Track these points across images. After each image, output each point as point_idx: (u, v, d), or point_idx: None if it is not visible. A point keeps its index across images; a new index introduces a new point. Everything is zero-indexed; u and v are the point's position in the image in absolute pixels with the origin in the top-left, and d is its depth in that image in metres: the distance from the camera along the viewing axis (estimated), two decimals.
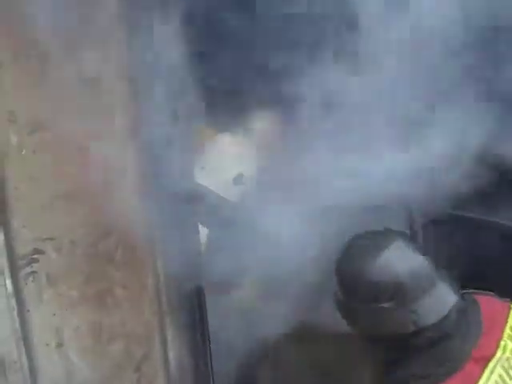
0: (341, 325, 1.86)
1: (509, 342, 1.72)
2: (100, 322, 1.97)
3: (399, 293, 1.69)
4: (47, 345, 1.87)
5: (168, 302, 2.07)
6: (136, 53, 1.83)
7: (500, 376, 1.67)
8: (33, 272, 1.81)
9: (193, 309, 2.14)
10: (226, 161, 3.01)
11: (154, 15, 1.85)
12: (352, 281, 1.77)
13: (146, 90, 1.89)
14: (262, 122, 3.41)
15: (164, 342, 2.10)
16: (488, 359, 1.69)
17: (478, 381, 1.65)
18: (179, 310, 2.11)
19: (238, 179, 2.98)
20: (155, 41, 1.87)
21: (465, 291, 1.84)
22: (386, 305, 1.70)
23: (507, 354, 1.70)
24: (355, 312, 1.79)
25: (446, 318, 1.69)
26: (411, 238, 2.45)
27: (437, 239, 2.80)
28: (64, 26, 1.69)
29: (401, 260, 1.73)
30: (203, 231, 2.69)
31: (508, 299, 1.90)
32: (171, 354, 2.11)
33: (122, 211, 1.93)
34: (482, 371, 1.67)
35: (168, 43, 1.90)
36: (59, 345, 1.89)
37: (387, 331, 1.73)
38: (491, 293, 1.91)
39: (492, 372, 1.67)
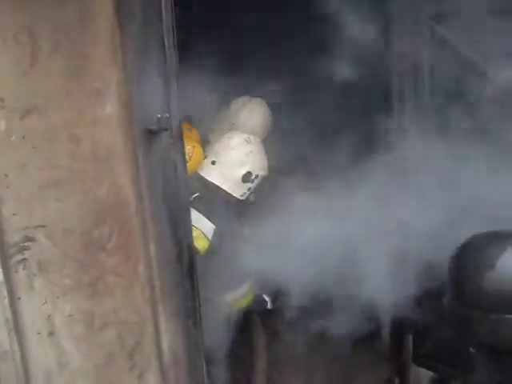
0: None
1: None
2: (92, 310, 1.95)
3: None
4: (39, 333, 1.85)
5: (161, 288, 2.05)
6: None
7: None
8: (24, 260, 1.78)
9: (185, 296, 2.12)
10: (237, 158, 2.99)
11: None
12: (472, 288, 1.60)
13: (137, 74, 1.86)
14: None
15: (157, 330, 2.08)
16: None
17: None
18: (172, 297, 2.09)
19: (247, 177, 2.96)
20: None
21: None
22: (509, 316, 1.54)
23: None
24: (473, 321, 1.60)
25: None
26: None
27: None
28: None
29: None
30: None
31: None
32: (164, 342, 2.09)
33: (115, 198, 1.91)
34: None
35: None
36: (51, 333, 1.87)
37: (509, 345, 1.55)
38: None
39: None
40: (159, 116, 1.83)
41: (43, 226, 1.80)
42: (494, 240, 1.64)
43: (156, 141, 1.90)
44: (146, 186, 1.95)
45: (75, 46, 1.76)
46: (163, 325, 2.10)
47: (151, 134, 1.88)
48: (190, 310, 2.17)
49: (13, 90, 1.68)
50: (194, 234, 2.50)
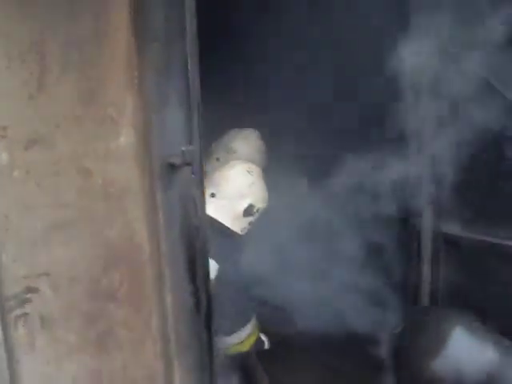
0: None
1: None
2: (99, 368, 1.69)
3: None
4: None
5: (176, 342, 1.81)
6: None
7: None
8: (24, 314, 1.53)
9: (202, 348, 1.87)
10: (238, 190, 2.77)
11: None
12: (411, 376, 1.50)
13: (156, 100, 1.63)
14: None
15: None
16: None
17: None
18: (188, 350, 1.84)
19: (249, 210, 2.74)
20: None
21: None
22: None
23: None
24: None
25: None
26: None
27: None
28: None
29: (465, 356, 1.45)
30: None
31: None
32: None
33: (128, 241, 1.66)
34: None
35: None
36: None
37: None
38: None
39: None
40: (184, 149, 1.60)
41: (47, 275, 1.55)
42: (433, 324, 1.55)
43: (176, 176, 1.67)
44: (163, 228, 1.71)
45: (87, 66, 1.53)
46: (177, 381, 1.85)
47: (172, 169, 1.65)
48: (207, 363, 1.92)
49: (17, 116, 1.44)
50: None
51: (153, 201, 1.69)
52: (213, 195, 2.85)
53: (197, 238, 1.77)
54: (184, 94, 1.65)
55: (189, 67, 1.62)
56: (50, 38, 1.44)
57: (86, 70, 1.53)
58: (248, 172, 2.88)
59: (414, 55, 2.46)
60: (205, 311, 1.85)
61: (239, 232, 2.86)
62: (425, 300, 2.69)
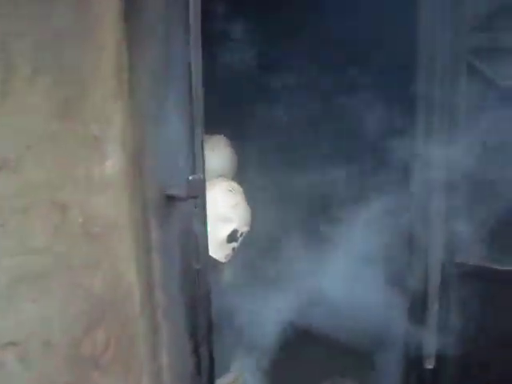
0: None
1: None
2: None
3: None
4: None
5: None
6: None
7: None
8: None
9: None
10: (222, 213, 2.42)
11: None
12: None
13: (152, 114, 1.28)
14: None
15: None
16: None
17: None
18: None
19: (233, 236, 2.38)
20: None
21: None
22: None
23: None
24: None
25: None
26: None
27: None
28: None
29: None
30: None
31: None
32: None
33: (114, 291, 1.31)
34: None
35: None
36: None
37: None
38: None
39: None
40: (190, 178, 1.25)
41: (14, 344, 1.16)
42: None
43: (176, 210, 1.31)
44: (158, 273, 1.36)
45: (65, 69, 1.17)
46: None
47: (170, 202, 1.30)
48: None
49: None
50: None
51: (146, 240, 1.34)
52: None
53: (198, 284, 1.42)
54: (186, 106, 1.30)
55: (192, 70, 1.27)
56: (19, 32, 1.08)
57: (63, 74, 1.18)
58: (230, 191, 2.52)
59: None
60: (207, 373, 1.49)
61: (222, 260, 2.49)
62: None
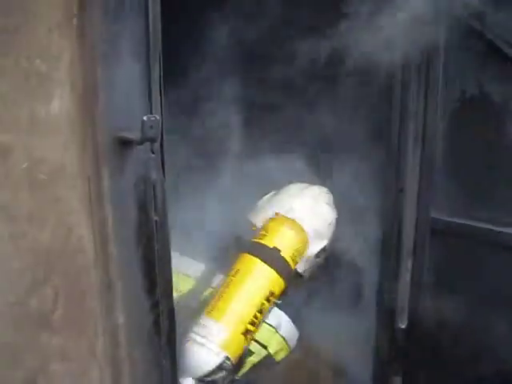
0: None
1: None
2: None
3: None
4: None
5: (131, 372, 1.37)
6: None
7: None
8: None
9: (162, 378, 1.44)
10: (320, 226, 2.30)
11: None
12: None
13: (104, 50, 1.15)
14: None
15: None
16: None
17: None
18: (145, 381, 1.40)
19: (321, 253, 2.29)
20: None
21: None
22: None
23: None
24: None
25: None
26: None
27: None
28: None
29: None
30: None
31: None
32: None
33: (63, 244, 1.20)
34: None
35: None
36: None
37: None
38: None
39: None
40: (145, 119, 1.13)
41: None
42: None
43: (131, 156, 1.20)
44: (111, 224, 1.25)
45: None
46: None
47: (125, 146, 1.18)
48: None
49: None
50: (274, 343, 2.04)
51: (97, 189, 1.23)
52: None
53: (157, 236, 1.32)
54: (142, 41, 1.18)
55: (149, 2, 1.15)
56: None
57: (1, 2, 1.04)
58: (330, 206, 2.32)
59: None
60: (166, 332, 1.41)
61: (305, 275, 2.31)
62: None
